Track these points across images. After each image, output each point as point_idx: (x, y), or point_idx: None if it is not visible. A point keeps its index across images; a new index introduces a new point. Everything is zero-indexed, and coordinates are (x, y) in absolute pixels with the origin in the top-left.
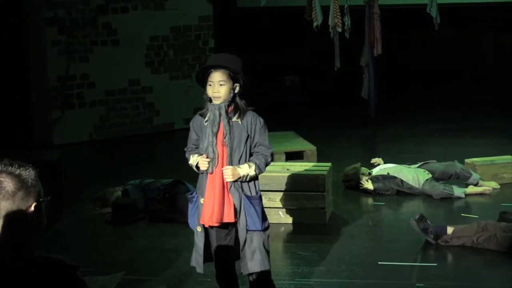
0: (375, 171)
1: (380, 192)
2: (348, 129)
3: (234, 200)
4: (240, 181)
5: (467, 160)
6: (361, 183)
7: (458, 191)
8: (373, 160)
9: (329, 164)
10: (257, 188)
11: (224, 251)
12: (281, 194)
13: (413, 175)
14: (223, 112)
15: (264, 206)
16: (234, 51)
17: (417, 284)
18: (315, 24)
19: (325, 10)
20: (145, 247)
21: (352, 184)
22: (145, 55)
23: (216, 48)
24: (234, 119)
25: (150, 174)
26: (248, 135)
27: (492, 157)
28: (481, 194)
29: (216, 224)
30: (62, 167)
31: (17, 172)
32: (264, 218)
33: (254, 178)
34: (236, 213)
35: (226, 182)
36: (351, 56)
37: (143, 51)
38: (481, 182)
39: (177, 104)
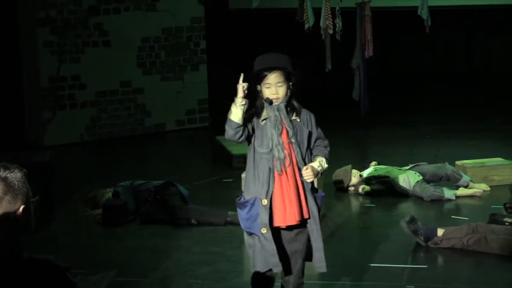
0: (366, 173)
1: (377, 193)
2: (339, 131)
3: (308, 197)
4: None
5: (458, 162)
6: (356, 190)
7: (448, 193)
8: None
9: None
10: (316, 185)
11: (294, 253)
12: None
13: (404, 176)
14: (283, 112)
15: None
16: (226, 53)
17: (407, 286)
18: (306, 26)
19: (317, 12)
20: (135, 248)
21: (343, 186)
22: (137, 56)
23: (208, 50)
24: (293, 117)
25: (141, 176)
26: (310, 131)
27: (482, 159)
28: (471, 196)
29: (296, 223)
30: (53, 168)
31: (3, 175)
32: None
33: (325, 170)
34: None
35: (300, 180)
36: (342, 58)
37: (134, 52)
38: (471, 184)
39: (168, 105)
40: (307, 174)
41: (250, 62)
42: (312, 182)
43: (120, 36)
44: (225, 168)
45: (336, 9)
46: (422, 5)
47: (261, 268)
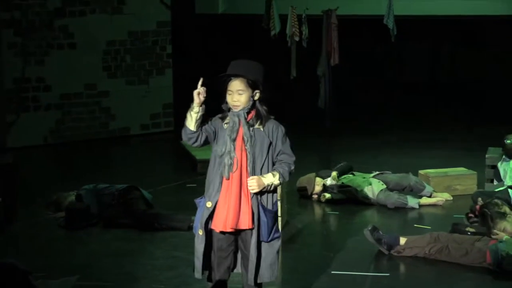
0: (330, 181)
1: (339, 201)
2: (303, 139)
3: (253, 208)
4: (265, 190)
5: (421, 171)
6: (319, 197)
7: (412, 201)
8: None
9: None
10: (274, 200)
11: (226, 260)
12: None
13: (367, 185)
14: (242, 119)
15: None
16: (192, 57)
17: None
18: (272, 32)
19: (283, 19)
20: (98, 252)
21: (307, 194)
22: (102, 59)
23: (174, 54)
24: (256, 126)
25: (104, 179)
26: (271, 142)
27: (445, 169)
28: (434, 205)
29: (230, 230)
30: (16, 170)
31: None
32: (276, 230)
33: (277, 186)
34: (253, 221)
35: (245, 188)
36: (307, 65)
37: (100, 55)
38: (434, 194)
39: (133, 109)
40: (251, 184)
41: (216, 67)
42: (268, 195)
43: (86, 38)
44: (189, 173)
45: (303, 16)
46: (388, 14)
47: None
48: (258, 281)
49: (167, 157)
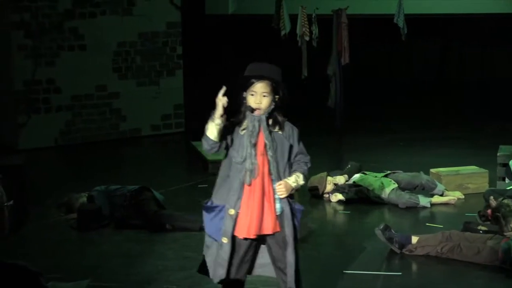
0: (341, 180)
1: (351, 201)
2: (314, 138)
3: (285, 211)
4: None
5: (432, 170)
6: (329, 198)
7: (423, 200)
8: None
9: None
10: (295, 202)
11: (245, 264)
12: None
13: (379, 184)
14: (263, 124)
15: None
16: (202, 58)
17: None
18: (283, 32)
19: (293, 19)
20: (110, 254)
21: (318, 193)
22: (112, 61)
23: (184, 55)
24: (275, 130)
25: (116, 180)
26: (291, 145)
27: (457, 167)
28: (446, 204)
29: (253, 237)
30: (27, 172)
31: None
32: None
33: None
34: (281, 224)
35: (268, 193)
36: (318, 65)
37: (110, 56)
38: (446, 192)
39: (144, 110)
40: (280, 190)
41: (228, 68)
42: (291, 196)
43: (96, 40)
44: (201, 173)
45: (313, 16)
46: (398, 13)
47: (210, 273)
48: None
49: (178, 158)
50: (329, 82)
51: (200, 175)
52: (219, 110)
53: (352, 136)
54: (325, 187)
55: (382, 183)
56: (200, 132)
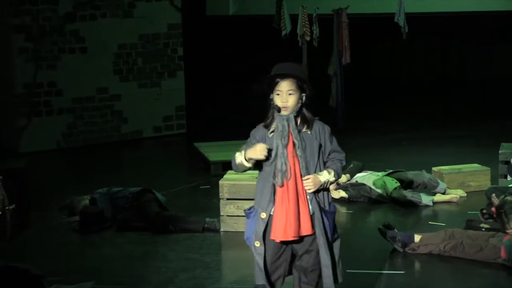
0: (343, 179)
1: (354, 199)
2: None
3: (315, 211)
4: (321, 188)
5: (434, 168)
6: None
7: (426, 199)
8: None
9: None
10: (329, 200)
11: (280, 268)
12: (250, 202)
13: (381, 183)
14: (292, 123)
15: (233, 214)
16: (204, 59)
17: None
18: (283, 32)
19: (294, 19)
20: (112, 256)
21: None
22: (114, 63)
23: (185, 56)
24: (304, 130)
25: (118, 183)
26: (320, 144)
27: (459, 165)
28: (448, 202)
29: (293, 239)
30: (29, 175)
31: None
32: (336, 230)
33: (332, 184)
34: (313, 226)
35: (303, 194)
36: (319, 65)
37: (111, 59)
38: (448, 191)
39: (145, 112)
40: (307, 184)
41: (229, 68)
42: (324, 197)
43: (97, 42)
44: (203, 174)
45: (313, 16)
46: (399, 12)
47: (256, 278)
48: (335, 284)
49: (180, 159)
50: (330, 82)
51: (202, 176)
52: (255, 156)
53: (354, 136)
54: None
55: (385, 182)
56: (202, 133)
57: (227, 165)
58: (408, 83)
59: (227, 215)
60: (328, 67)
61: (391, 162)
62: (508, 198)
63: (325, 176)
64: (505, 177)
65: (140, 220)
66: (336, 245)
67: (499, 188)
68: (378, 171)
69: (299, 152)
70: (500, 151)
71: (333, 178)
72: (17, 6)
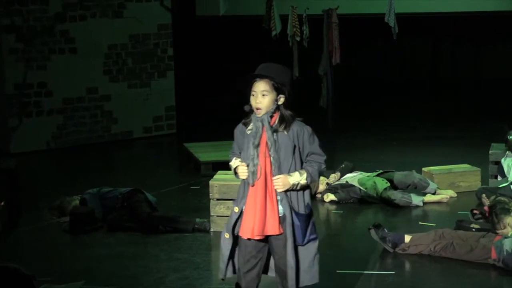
0: (332, 179)
1: (343, 202)
2: None
3: (286, 212)
4: (291, 190)
5: (425, 169)
6: (322, 197)
7: (416, 199)
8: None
9: None
10: (305, 203)
11: (254, 268)
12: None
13: (371, 183)
14: (266, 124)
15: (222, 215)
16: (194, 59)
17: None
18: (273, 32)
19: (284, 19)
20: (103, 256)
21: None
22: (103, 63)
23: (175, 57)
24: (280, 130)
25: (108, 183)
26: (295, 146)
27: (449, 166)
28: (438, 203)
29: (257, 237)
30: (19, 175)
31: None
32: (311, 232)
33: (306, 187)
34: (283, 226)
35: (271, 194)
36: (309, 65)
37: (101, 59)
38: (438, 191)
39: (135, 112)
40: (276, 183)
41: (219, 69)
42: (298, 198)
43: (87, 43)
44: (193, 175)
45: (303, 16)
46: (389, 12)
47: (219, 272)
48: (300, 286)
49: (170, 160)
50: (321, 82)
51: (192, 177)
52: (241, 178)
53: (344, 136)
54: (317, 187)
55: (375, 183)
56: (192, 133)
57: (217, 165)
58: (398, 83)
59: (217, 216)
60: (318, 68)
61: (382, 163)
62: (501, 198)
63: (296, 177)
64: (496, 177)
65: (130, 221)
66: (311, 247)
67: (489, 189)
68: (369, 172)
69: (271, 153)
70: (490, 152)
71: (305, 181)
72: (7, 6)
